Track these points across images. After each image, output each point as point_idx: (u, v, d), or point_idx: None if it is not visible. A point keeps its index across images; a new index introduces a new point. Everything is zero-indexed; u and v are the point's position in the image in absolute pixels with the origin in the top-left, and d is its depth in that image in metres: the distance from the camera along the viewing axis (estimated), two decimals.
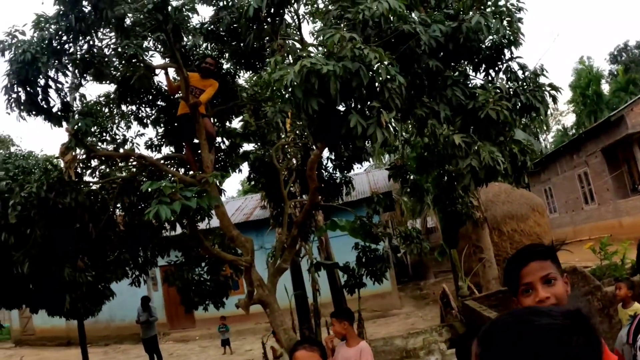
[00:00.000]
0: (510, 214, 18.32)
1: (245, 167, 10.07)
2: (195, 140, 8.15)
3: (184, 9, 7.41)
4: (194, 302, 9.67)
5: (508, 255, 17.59)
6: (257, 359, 14.46)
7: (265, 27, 6.71)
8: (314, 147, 9.42)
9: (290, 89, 5.18)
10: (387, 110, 5.36)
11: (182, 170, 9.23)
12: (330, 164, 10.15)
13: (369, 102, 5.40)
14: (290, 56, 6.70)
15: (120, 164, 9.25)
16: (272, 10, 6.28)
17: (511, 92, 6.62)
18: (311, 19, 8.88)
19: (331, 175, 10.38)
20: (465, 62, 6.98)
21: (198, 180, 6.90)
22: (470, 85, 6.71)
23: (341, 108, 5.63)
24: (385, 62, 5.21)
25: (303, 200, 10.46)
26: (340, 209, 10.49)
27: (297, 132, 9.99)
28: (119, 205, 8.79)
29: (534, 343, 1.06)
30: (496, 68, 6.90)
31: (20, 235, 7.85)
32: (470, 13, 6.36)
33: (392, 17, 5.82)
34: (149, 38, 7.98)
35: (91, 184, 8.71)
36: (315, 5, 8.74)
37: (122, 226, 8.93)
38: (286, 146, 9.96)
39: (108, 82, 8.46)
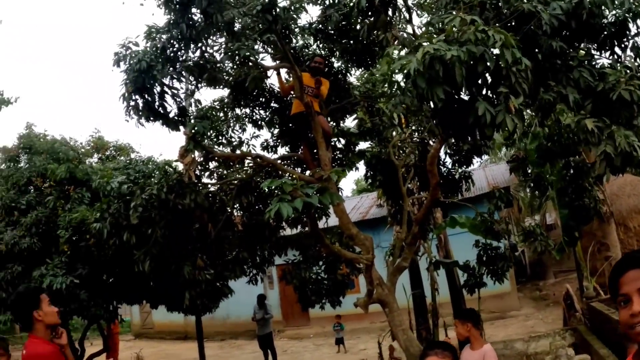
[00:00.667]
0: (637, 208, 17.09)
1: (361, 166, 10.00)
2: (311, 138, 8.13)
3: (292, 9, 7.42)
4: (311, 300, 9.69)
5: None
6: (372, 359, 14.30)
7: (380, 17, 6.50)
8: (432, 142, 9.20)
9: (411, 79, 4.98)
10: (514, 95, 5.03)
11: (298, 170, 9.26)
12: (448, 159, 9.86)
13: (495, 88, 5.09)
14: (404, 48, 6.48)
15: (236, 166, 9.41)
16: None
17: None
18: (419, 11, 8.62)
19: (450, 170, 10.06)
20: (588, 41, 6.48)
21: (317, 178, 6.84)
22: (597, 65, 6.22)
23: (465, 98, 5.34)
24: (511, 45, 4.90)
25: (421, 196, 10.22)
26: (459, 206, 10.14)
27: (413, 127, 9.75)
28: (236, 205, 8.94)
29: None
30: (622, 45, 6.32)
31: (142, 235, 8.21)
32: None
33: None
34: (258, 41, 8.06)
35: (209, 186, 8.92)
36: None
37: (240, 226, 9.07)
38: (403, 142, 9.74)
39: (221, 86, 8.64)
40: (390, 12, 6.50)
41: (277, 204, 5.35)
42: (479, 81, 5.17)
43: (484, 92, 5.24)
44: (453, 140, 8.70)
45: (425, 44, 4.92)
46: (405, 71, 4.84)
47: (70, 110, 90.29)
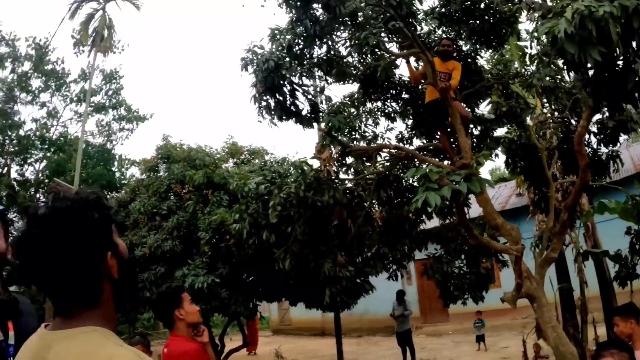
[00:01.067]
0: None
1: (499, 153, 9.52)
2: (448, 126, 7.83)
3: None
4: (453, 295, 9.39)
5: None
6: (514, 357, 13.61)
7: None
8: (573, 122, 8.57)
9: (557, 46, 4.57)
10: None
11: (436, 160, 8.97)
12: (592, 139, 9.13)
13: None
14: (541, 16, 6.02)
15: (372, 160, 9.28)
16: None
17: None
18: None
19: (595, 150, 9.33)
20: None
21: (458, 166, 6.53)
22: None
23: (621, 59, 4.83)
24: None
25: (566, 181, 9.55)
26: (604, 190, 9.39)
27: (554, 107, 9.13)
28: (374, 200, 8.80)
29: None
30: None
31: (281, 234, 8.34)
32: None
33: None
34: (382, 30, 7.88)
35: (346, 181, 8.85)
36: None
37: (380, 221, 8.94)
38: (542, 124, 9.16)
39: (350, 81, 8.55)
40: None
41: (423, 193, 5.11)
42: (636, 40, 4.64)
43: None
44: (599, 116, 8.05)
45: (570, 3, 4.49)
46: (552, 35, 4.43)
47: (202, 120, 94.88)
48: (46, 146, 27.25)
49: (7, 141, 26.20)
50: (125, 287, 1.45)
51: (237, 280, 11.59)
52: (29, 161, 27.47)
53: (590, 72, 4.57)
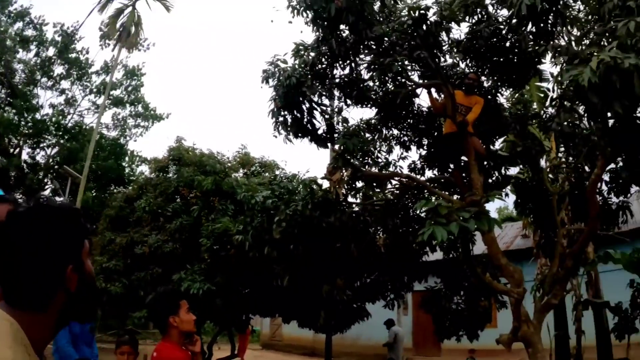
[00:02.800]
0: None
1: (508, 193, 9.45)
2: (463, 159, 7.79)
3: (443, 23, 7.17)
4: (448, 330, 9.30)
5: None
6: None
7: (542, 25, 6.03)
8: (587, 168, 8.49)
9: (581, 94, 4.53)
10: None
11: (446, 194, 8.92)
12: (604, 187, 9.05)
13: None
14: (566, 59, 5.96)
15: (382, 187, 9.23)
16: (547, 5, 5.62)
17: None
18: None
19: (606, 199, 9.24)
20: None
21: (468, 202, 6.47)
22: None
23: None
24: None
25: (573, 227, 9.46)
26: (610, 240, 9.27)
27: (569, 151, 9.06)
28: (380, 227, 8.74)
29: None
30: None
31: (283, 250, 8.26)
32: None
33: None
34: (407, 58, 7.87)
35: (354, 205, 8.80)
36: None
37: (383, 248, 8.87)
38: (556, 168, 9.09)
39: (369, 105, 8.53)
40: (553, 20, 6.00)
41: (431, 226, 5.07)
42: None
43: None
44: (613, 165, 7.98)
45: (596, 53, 4.46)
46: (579, 82, 4.38)
47: (218, 125, 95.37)
48: (60, 133, 27.43)
49: (23, 123, 26.36)
50: (81, 303, 1.46)
51: (233, 290, 11.52)
52: (41, 145, 27.79)
53: (611, 122, 4.51)
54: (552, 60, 5.83)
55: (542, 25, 6.04)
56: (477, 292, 9.02)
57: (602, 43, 5.19)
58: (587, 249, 11.15)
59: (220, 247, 11.17)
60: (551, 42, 6.18)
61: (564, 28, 6.72)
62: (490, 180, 9.21)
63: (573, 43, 6.44)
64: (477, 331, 9.50)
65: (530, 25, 6.13)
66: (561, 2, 6.00)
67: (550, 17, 5.98)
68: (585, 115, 4.63)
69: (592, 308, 11.34)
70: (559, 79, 4.74)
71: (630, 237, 11.09)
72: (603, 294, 12.55)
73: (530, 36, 6.46)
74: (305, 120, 7.64)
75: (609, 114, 4.45)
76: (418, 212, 6.10)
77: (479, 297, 9.18)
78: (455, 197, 7.81)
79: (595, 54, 4.46)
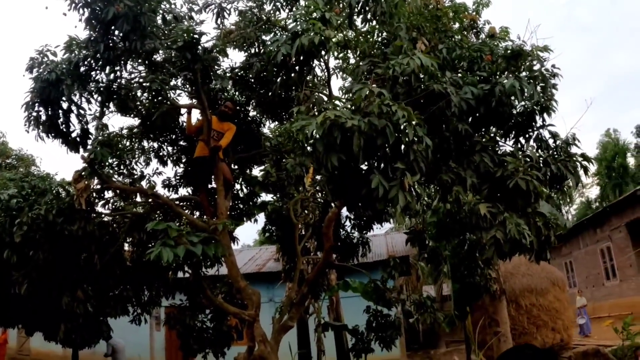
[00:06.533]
0: (530, 288, 17.65)
1: (261, 218, 9.86)
2: (213, 184, 7.97)
3: (214, 51, 7.35)
4: (193, 349, 9.35)
5: (524, 330, 16.99)
6: None
7: (293, 75, 6.51)
8: (333, 205, 9.21)
9: (311, 142, 4.97)
10: (411, 173, 5.08)
11: (197, 214, 9.04)
12: (348, 223, 9.88)
13: (392, 163, 5.13)
14: (315, 108, 6.49)
15: (135, 199, 9.07)
16: (301, 58, 6.08)
17: (541, 162, 6.32)
18: (341, 74, 8.71)
19: (348, 234, 10.07)
20: (495, 128, 6.71)
21: (210, 226, 6.66)
22: (499, 152, 6.43)
23: (363, 167, 5.36)
24: (414, 122, 4.97)
25: (317, 257, 10.16)
26: (355, 270, 10.13)
27: (318, 187, 9.74)
28: (128, 240, 8.58)
29: None
30: (527, 135, 6.62)
31: (23, 256, 7.76)
32: (504, 77, 6.13)
33: (422, 76, 5.64)
34: (177, 76, 7.90)
35: (103, 215, 8.53)
36: (347, 62, 8.56)
37: (129, 262, 8.71)
38: (305, 201, 9.71)
39: (132, 115, 8.41)
40: (305, 72, 6.49)
41: (159, 247, 5.19)
42: (378, 154, 5.20)
43: (381, 166, 5.27)
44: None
45: (329, 108, 4.93)
46: (305, 134, 4.81)
47: None
48: None
49: None
50: None
51: None
52: None
53: (335, 172, 4.98)
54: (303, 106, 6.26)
55: (292, 75, 6.51)
56: (222, 311, 9.22)
57: (344, 100, 5.76)
58: (331, 277, 12.05)
59: None
60: (302, 91, 6.62)
61: (326, 78, 7.32)
62: (243, 206, 9.58)
63: (340, 92, 7.01)
64: (223, 349, 9.65)
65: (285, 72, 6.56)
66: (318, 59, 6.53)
67: (305, 69, 6.47)
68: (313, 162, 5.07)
69: (333, 330, 12.21)
70: (292, 126, 5.11)
71: (369, 268, 12.21)
72: (344, 318, 13.61)
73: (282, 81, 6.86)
74: (61, 120, 7.30)
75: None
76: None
77: (225, 316, 9.36)
78: (205, 218, 7.95)
79: (326, 109, 4.91)
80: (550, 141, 6.61)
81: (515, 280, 17.68)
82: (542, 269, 17.87)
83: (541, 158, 6.39)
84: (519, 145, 6.68)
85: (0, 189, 8.47)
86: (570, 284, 28.79)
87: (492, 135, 6.71)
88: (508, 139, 6.73)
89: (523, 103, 6.39)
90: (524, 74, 6.29)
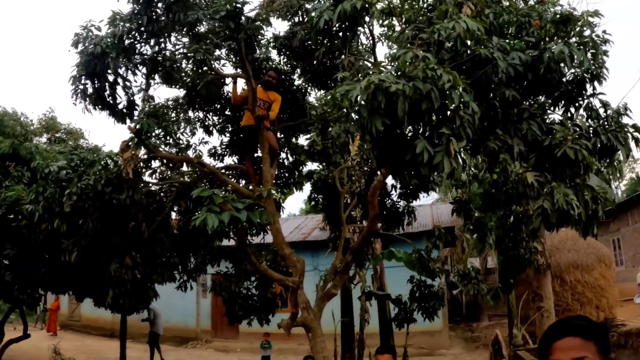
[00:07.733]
0: (575, 263, 17.41)
1: (307, 187, 9.93)
2: (258, 153, 8.03)
3: (257, 20, 7.35)
4: (238, 315, 9.53)
5: (568, 306, 16.77)
6: None
7: (336, 42, 6.46)
8: (379, 173, 9.19)
9: (356, 107, 4.95)
10: (457, 139, 5.00)
11: (242, 183, 9.14)
12: (394, 192, 9.85)
13: (438, 129, 5.05)
14: (360, 74, 6.44)
15: (181, 168, 9.22)
16: (344, 24, 6.03)
17: (591, 131, 6.10)
18: (387, 42, 8.63)
19: (394, 203, 10.05)
20: (543, 96, 6.54)
21: (255, 193, 6.73)
22: (547, 120, 6.27)
23: (408, 133, 5.30)
24: (460, 87, 4.88)
25: (362, 226, 10.16)
26: (400, 239, 10.12)
27: (364, 155, 9.72)
28: (175, 208, 8.74)
29: None
30: (576, 104, 6.39)
31: (73, 225, 7.97)
32: (553, 43, 5.95)
33: (469, 41, 5.52)
34: (221, 47, 7.95)
35: (150, 185, 8.71)
36: (392, 29, 8.47)
37: (176, 230, 8.88)
38: (351, 169, 9.69)
39: (177, 86, 8.50)
40: (349, 38, 6.43)
41: (204, 213, 5.27)
42: (423, 119, 5.14)
43: (427, 131, 5.21)
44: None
45: (373, 73, 4.88)
46: (349, 98, 4.79)
47: (28, 86, 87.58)
48: None
49: None
50: None
51: (24, 265, 10.80)
52: None
53: (379, 137, 4.95)
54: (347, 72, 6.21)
55: (335, 42, 6.47)
56: (267, 278, 9.34)
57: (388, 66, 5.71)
58: (375, 246, 12.07)
59: (12, 217, 10.42)
60: (347, 57, 6.58)
61: (372, 45, 7.25)
62: (288, 175, 9.64)
63: (362, 61, 6.94)
64: (268, 316, 9.80)
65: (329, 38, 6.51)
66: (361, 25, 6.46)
67: (348, 35, 6.40)
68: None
69: (376, 299, 12.27)
70: (335, 91, 5.09)
71: (414, 238, 12.18)
72: (387, 287, 13.65)
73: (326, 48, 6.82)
74: (107, 92, 7.41)
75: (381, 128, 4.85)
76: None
77: (270, 283, 9.48)
78: (251, 187, 8.03)
79: (370, 74, 4.88)
80: (601, 110, 6.33)
81: (560, 255, 17.45)
82: (588, 245, 17.56)
83: (591, 128, 6.16)
84: (568, 114, 6.49)
85: (49, 161, 8.71)
86: (617, 261, 28.10)
87: (540, 103, 6.53)
88: (557, 107, 6.54)
89: (572, 70, 6.16)
90: (573, 39, 6.05)
